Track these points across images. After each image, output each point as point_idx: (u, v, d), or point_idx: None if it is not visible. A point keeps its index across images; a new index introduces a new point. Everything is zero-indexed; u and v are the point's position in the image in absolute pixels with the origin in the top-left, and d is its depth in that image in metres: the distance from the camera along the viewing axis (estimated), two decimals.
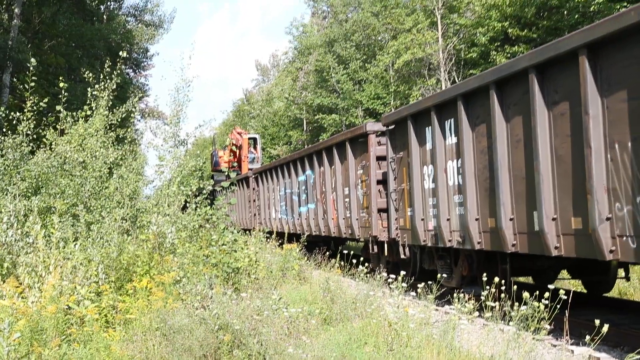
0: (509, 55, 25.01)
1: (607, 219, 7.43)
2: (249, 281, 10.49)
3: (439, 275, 9.66)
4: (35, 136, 13.39)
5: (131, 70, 45.49)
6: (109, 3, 41.38)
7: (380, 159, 14.58)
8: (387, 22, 36.35)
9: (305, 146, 40.92)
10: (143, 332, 7.06)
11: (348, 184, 16.17)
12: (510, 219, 9.31)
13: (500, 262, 10.38)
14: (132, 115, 15.57)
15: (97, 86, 13.61)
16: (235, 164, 35.51)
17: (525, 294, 6.34)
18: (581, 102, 7.70)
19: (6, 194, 11.54)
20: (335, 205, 17.08)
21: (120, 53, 14.28)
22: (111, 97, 13.93)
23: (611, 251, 7.40)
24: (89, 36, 33.13)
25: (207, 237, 11.35)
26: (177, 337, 6.67)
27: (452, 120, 10.87)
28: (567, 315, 6.95)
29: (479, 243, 10.15)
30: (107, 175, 13.20)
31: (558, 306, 6.49)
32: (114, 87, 13.97)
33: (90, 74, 14.20)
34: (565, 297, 6.37)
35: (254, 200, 26.60)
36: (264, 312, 7.54)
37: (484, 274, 8.37)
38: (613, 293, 14.86)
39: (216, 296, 7.75)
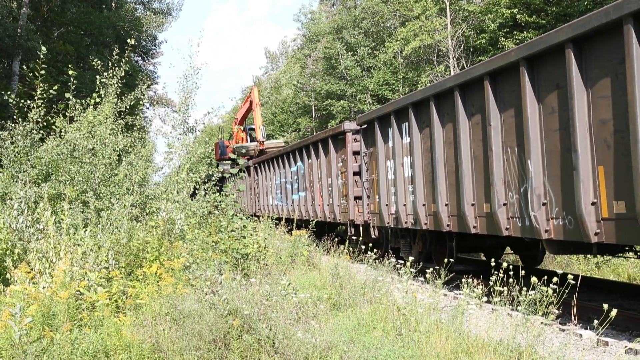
0: (517, 41, 24.89)
1: (504, 204, 9.92)
2: (258, 267, 10.52)
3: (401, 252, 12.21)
4: (45, 123, 13.44)
5: (140, 58, 45.47)
6: None
7: (356, 153, 17.04)
8: (396, 9, 36.20)
9: (314, 133, 40.92)
10: (153, 317, 7.10)
11: (331, 175, 18.62)
12: (446, 205, 11.80)
13: (448, 240, 12.55)
14: (140, 102, 15.58)
15: (105, 74, 13.62)
16: (243, 149, 35.33)
17: (534, 279, 6.36)
18: (485, 117, 10.28)
19: (17, 181, 11.60)
20: (321, 193, 19.54)
21: (129, 40, 14.27)
22: (120, 85, 13.94)
23: (506, 229, 9.84)
24: (98, 24, 33.16)
25: (216, 224, 11.38)
26: (187, 322, 6.71)
27: (406, 123, 13.36)
28: (575, 299, 6.96)
29: (425, 224, 12.67)
30: (117, 162, 13.24)
31: (566, 291, 6.50)
32: (123, 74, 13.97)
33: (99, 62, 14.22)
34: (574, 282, 6.39)
35: (254, 188, 28.84)
36: (273, 298, 7.56)
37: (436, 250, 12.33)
38: (622, 278, 14.87)
39: (225, 282, 7.78)
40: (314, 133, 39.56)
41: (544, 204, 8.94)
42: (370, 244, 12.91)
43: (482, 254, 15.02)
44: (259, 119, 34.22)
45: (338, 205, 18.07)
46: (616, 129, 7.60)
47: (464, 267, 10.96)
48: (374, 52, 39.67)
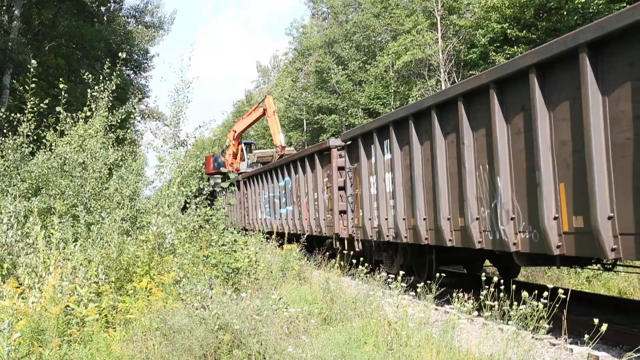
0: (508, 55, 25.04)
1: (477, 218, 10.29)
2: (249, 281, 10.49)
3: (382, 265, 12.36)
4: (35, 137, 13.40)
5: (131, 72, 45.47)
6: (109, 4, 41.40)
7: (341, 169, 17.30)
8: (387, 23, 36.37)
9: (305, 147, 40.92)
10: (143, 332, 7.07)
11: (317, 190, 18.94)
12: (424, 219, 12.13)
13: (428, 253, 13.01)
14: (132, 116, 15.57)
15: (96, 87, 13.61)
16: (235, 164, 35.38)
17: (525, 293, 6.36)
18: (459, 136, 10.66)
19: (6, 195, 11.55)
20: (307, 207, 19.86)
21: (120, 54, 14.29)
22: (111, 98, 13.93)
23: (479, 242, 10.22)
24: (89, 37, 33.15)
25: (207, 238, 11.35)
26: (177, 337, 6.69)
27: (388, 141, 13.67)
28: (565, 314, 6.97)
29: (405, 237, 12.95)
30: (107, 176, 13.21)
31: (557, 305, 6.51)
32: (114, 88, 13.97)
33: (90, 75, 14.21)
34: (564, 297, 6.39)
35: (244, 202, 29.20)
36: (263, 312, 7.54)
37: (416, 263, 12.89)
38: (613, 292, 14.89)
39: (216, 296, 7.76)
40: (305, 147, 39.60)
41: (512, 219, 9.39)
42: (355, 258, 13.15)
43: (462, 267, 15.45)
44: (277, 126, 34.30)
45: (324, 219, 18.43)
46: (574, 149, 8.07)
47: (446, 279, 11.06)
48: (365, 66, 39.80)
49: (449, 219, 11.24)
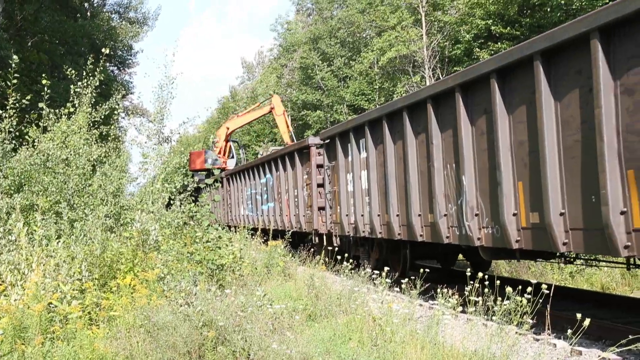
0: (492, 52, 25.11)
1: (445, 215, 10.82)
2: (234, 278, 10.46)
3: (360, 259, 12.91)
4: (17, 133, 13.28)
5: (115, 68, 45.21)
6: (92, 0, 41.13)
7: (320, 166, 17.76)
8: (372, 19, 36.37)
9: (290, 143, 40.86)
10: (127, 329, 7.04)
11: (297, 187, 19.36)
12: (397, 215, 12.61)
13: (402, 248, 13.52)
14: (115, 112, 15.47)
15: (80, 83, 13.50)
16: (221, 161, 35.29)
17: (508, 289, 6.39)
18: (428, 136, 11.19)
19: None
20: (288, 204, 20.25)
21: (103, 50, 14.19)
22: (94, 95, 13.83)
23: (447, 237, 10.76)
24: (72, 33, 32.91)
25: (192, 234, 11.31)
26: (161, 334, 6.66)
27: (364, 140, 14.16)
28: (549, 309, 7.00)
29: (380, 233, 13.43)
30: (91, 172, 13.12)
31: (540, 300, 6.53)
32: (97, 84, 13.87)
33: (73, 71, 14.10)
34: (548, 292, 6.42)
35: (227, 199, 29.64)
36: (248, 309, 7.52)
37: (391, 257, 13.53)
38: (596, 287, 14.99)
39: (200, 293, 7.74)
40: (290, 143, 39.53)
41: (476, 215, 9.96)
42: (337, 253, 13.25)
43: (436, 261, 16.07)
44: (288, 124, 34.72)
45: (304, 216, 18.84)
46: (530, 150, 8.62)
47: (420, 273, 11.38)
48: (350, 62, 39.78)
49: (419, 215, 11.76)
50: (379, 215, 13.52)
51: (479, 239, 9.89)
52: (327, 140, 16.89)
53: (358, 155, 14.60)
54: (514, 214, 8.96)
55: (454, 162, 10.51)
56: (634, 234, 6.99)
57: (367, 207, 13.99)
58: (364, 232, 14.33)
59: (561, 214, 8.02)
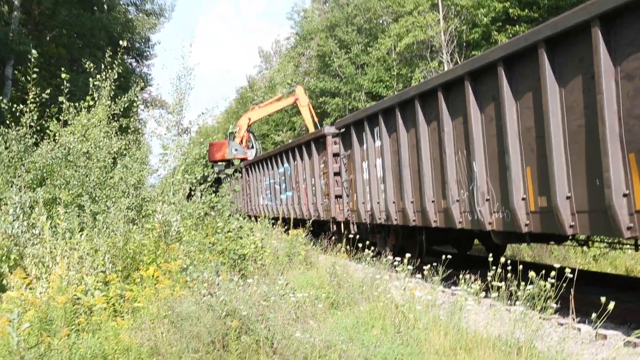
0: (510, 35, 24.89)
1: (457, 200, 11.07)
2: (256, 267, 10.50)
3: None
4: (38, 128, 13.38)
5: (133, 60, 45.32)
6: None
7: (336, 155, 18.00)
8: (388, 5, 36.15)
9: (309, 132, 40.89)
10: (151, 320, 7.08)
11: (314, 175, 19.63)
12: (411, 202, 12.88)
13: (418, 234, 13.75)
14: (134, 104, 15.52)
15: (98, 76, 13.56)
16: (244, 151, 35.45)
17: (532, 273, 6.35)
18: (439, 123, 11.44)
19: (11, 186, 11.57)
20: (306, 192, 20.57)
21: (121, 42, 14.24)
22: (113, 87, 13.89)
23: (460, 222, 11.03)
24: (90, 26, 32.96)
25: (213, 225, 11.36)
26: (185, 324, 6.70)
27: (377, 128, 14.41)
28: (572, 293, 6.96)
29: (395, 220, 13.69)
30: (112, 165, 13.20)
31: (564, 285, 6.50)
32: (116, 76, 13.92)
33: (92, 64, 14.16)
34: (572, 276, 6.39)
35: (246, 189, 30.01)
36: (271, 298, 7.55)
37: (407, 243, 13.93)
38: (620, 270, 14.89)
39: (223, 283, 7.76)
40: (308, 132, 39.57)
41: (487, 200, 10.19)
42: (354, 240, 13.82)
43: (452, 247, 16.15)
44: (313, 115, 34.88)
45: (321, 204, 19.09)
46: (537, 135, 8.82)
47: (436, 258, 11.70)
48: (367, 48, 39.61)
49: (433, 201, 12.02)
50: (394, 202, 13.75)
51: (490, 223, 10.15)
52: (343, 130, 17.17)
53: (373, 144, 14.82)
54: (523, 199, 9.21)
55: (465, 148, 10.76)
56: (637, 216, 7.19)
57: (383, 194, 14.22)
58: (380, 219, 14.56)
59: (567, 198, 8.24)
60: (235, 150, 35.24)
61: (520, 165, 9.23)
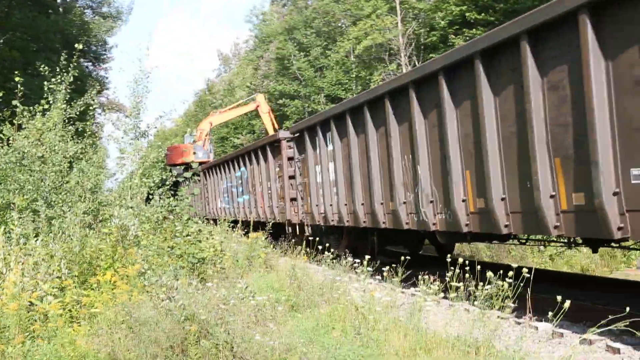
0: (467, 38, 25.15)
1: (404, 202, 11.54)
2: (215, 271, 10.42)
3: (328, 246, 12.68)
4: None
5: (90, 63, 44.75)
6: None
7: (291, 159, 18.33)
8: (347, 8, 36.30)
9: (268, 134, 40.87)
10: (108, 326, 6.99)
11: (270, 179, 19.98)
12: (362, 204, 13.33)
13: (370, 235, 14.29)
14: (91, 108, 15.28)
15: (53, 80, 13.34)
16: (197, 154, 35.64)
17: (489, 273, 6.41)
18: (387, 129, 11.88)
19: None
20: (262, 195, 20.98)
21: (76, 45, 14.03)
22: (69, 91, 13.67)
23: (406, 223, 11.50)
24: (45, 29, 32.49)
25: (172, 228, 11.25)
26: (143, 330, 6.62)
27: (330, 133, 14.85)
28: (530, 293, 7.04)
29: (347, 221, 14.14)
30: (68, 169, 12.99)
31: (522, 284, 6.57)
32: (71, 80, 13.70)
33: (47, 68, 13.91)
34: (529, 275, 6.46)
35: (204, 192, 30.47)
36: (230, 301, 7.50)
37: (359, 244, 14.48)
38: (576, 269, 15.11)
39: (182, 287, 7.70)
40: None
41: (431, 202, 10.70)
42: (313, 243, 13.67)
43: (403, 247, 16.54)
44: (273, 122, 36.32)
45: (277, 207, 19.50)
46: (475, 141, 9.34)
47: (388, 259, 11.99)
48: (326, 51, 39.70)
49: (382, 203, 12.48)
50: (345, 204, 14.20)
51: (434, 224, 10.65)
52: (297, 134, 17.58)
53: (325, 148, 15.29)
54: (463, 200, 9.74)
55: (410, 153, 11.24)
56: (562, 215, 7.79)
57: (335, 197, 14.68)
58: (332, 221, 15.03)
59: (502, 199, 8.79)
60: (197, 153, 35.32)
61: (461, 169, 9.76)
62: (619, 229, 7.02)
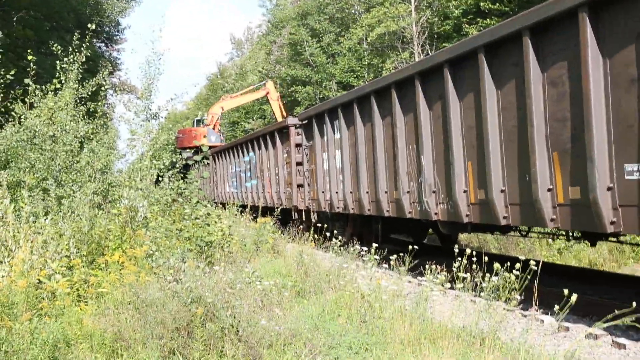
0: (481, 27, 25.01)
1: (407, 192, 11.81)
2: (223, 255, 10.44)
3: (335, 232, 13.36)
4: (3, 110, 13.15)
5: (103, 44, 44.76)
6: None
7: (298, 145, 18.70)
8: None
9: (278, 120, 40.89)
10: (115, 306, 7.01)
11: (277, 165, 20.34)
12: (367, 192, 13.59)
13: (374, 223, 14.61)
14: (102, 88, 15.30)
15: (66, 59, 13.35)
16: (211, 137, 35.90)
17: (497, 265, 6.40)
18: (392, 119, 12.14)
19: None
20: (270, 181, 21.25)
21: (89, 25, 14.02)
22: (81, 71, 13.69)
23: (409, 212, 11.78)
24: (58, 8, 32.48)
25: (180, 211, 11.27)
26: (149, 311, 6.64)
27: (337, 121, 15.16)
28: (536, 285, 7.03)
29: (352, 209, 14.43)
30: (78, 149, 13.02)
31: (529, 277, 6.56)
32: (84, 60, 13.72)
33: (60, 47, 13.91)
34: (536, 268, 6.44)
35: (213, 177, 30.83)
36: (237, 285, 7.51)
37: (365, 231, 14.75)
38: (584, 263, 15.08)
39: (189, 269, 7.71)
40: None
41: (434, 192, 10.97)
42: (320, 229, 14.18)
43: (407, 235, 16.92)
44: (282, 109, 36.91)
45: (284, 193, 19.85)
46: (477, 133, 9.60)
47: (393, 246, 12.22)
48: (339, 38, 39.57)
49: (386, 192, 12.75)
50: (351, 192, 14.48)
51: (436, 213, 10.92)
52: (305, 121, 17.86)
53: (332, 136, 15.56)
54: (465, 191, 10.02)
55: (415, 143, 11.49)
56: (559, 208, 8.03)
57: (341, 184, 15.00)
58: (338, 208, 15.32)
59: (502, 191, 9.06)
60: (209, 137, 35.57)
61: (463, 160, 10.00)
62: (612, 223, 7.20)
